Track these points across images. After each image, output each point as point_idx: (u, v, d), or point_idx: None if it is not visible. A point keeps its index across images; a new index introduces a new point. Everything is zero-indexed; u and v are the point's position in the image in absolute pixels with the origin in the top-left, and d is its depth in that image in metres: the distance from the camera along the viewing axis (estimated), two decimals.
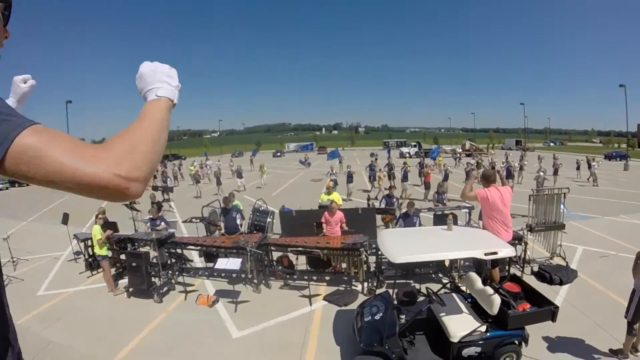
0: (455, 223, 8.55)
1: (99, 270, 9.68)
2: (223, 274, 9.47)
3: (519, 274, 7.94)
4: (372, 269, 8.68)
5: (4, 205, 24.56)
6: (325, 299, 7.91)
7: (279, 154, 75.80)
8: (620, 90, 44.61)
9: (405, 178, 20.35)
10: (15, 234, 14.35)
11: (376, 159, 25.54)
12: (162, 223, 10.08)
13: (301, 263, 9.25)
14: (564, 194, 9.40)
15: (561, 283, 7.98)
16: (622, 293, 6.67)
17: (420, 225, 9.61)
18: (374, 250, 8.55)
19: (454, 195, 16.20)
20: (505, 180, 7.47)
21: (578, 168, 26.82)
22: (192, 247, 9.51)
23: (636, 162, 39.58)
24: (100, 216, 9.17)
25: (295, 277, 9.04)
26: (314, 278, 8.92)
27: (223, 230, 9.96)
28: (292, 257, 9.09)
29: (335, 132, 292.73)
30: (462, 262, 8.69)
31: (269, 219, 10.21)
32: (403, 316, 5.41)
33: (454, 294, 5.97)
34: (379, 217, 11.30)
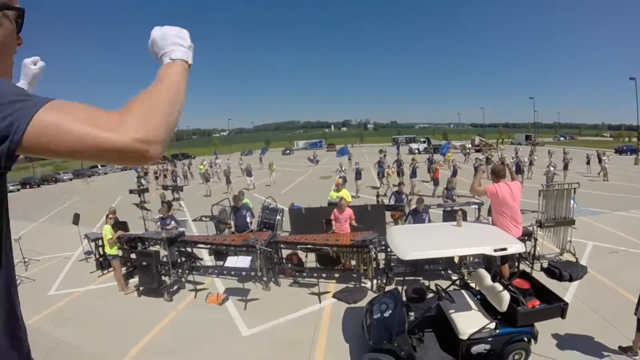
0: (465, 219, 8.48)
1: (110, 269, 9.76)
2: (233, 272, 9.51)
3: (528, 270, 7.87)
4: (381, 266, 8.65)
5: (15, 206, 24.74)
6: (334, 296, 7.90)
7: (288, 151, 75.88)
8: (630, 83, 43.94)
9: (413, 174, 20.27)
10: (26, 235, 14.54)
11: (385, 156, 25.46)
12: (172, 222, 10.12)
13: (310, 260, 9.25)
14: (574, 189, 9.30)
15: (571, 279, 7.87)
16: (632, 289, 6.62)
17: (429, 221, 9.57)
18: (383, 247, 8.50)
19: (463, 191, 16.11)
20: (514, 175, 7.40)
21: (588, 163, 26.55)
22: (202, 246, 9.55)
23: None
24: (110, 216, 9.23)
25: (304, 274, 9.04)
26: (323, 275, 8.93)
27: (233, 229, 9.99)
28: (301, 254, 9.09)
29: (344, 129, 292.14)
30: (471, 258, 8.64)
31: (278, 217, 10.21)
32: (412, 313, 5.38)
33: (463, 291, 5.94)
34: (388, 213, 11.26)
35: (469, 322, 5.10)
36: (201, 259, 10.32)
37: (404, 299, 5.69)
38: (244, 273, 9.27)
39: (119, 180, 40.83)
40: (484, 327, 4.96)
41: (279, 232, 9.93)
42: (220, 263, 9.29)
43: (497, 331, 5.01)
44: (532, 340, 5.20)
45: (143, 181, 29.30)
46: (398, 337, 4.97)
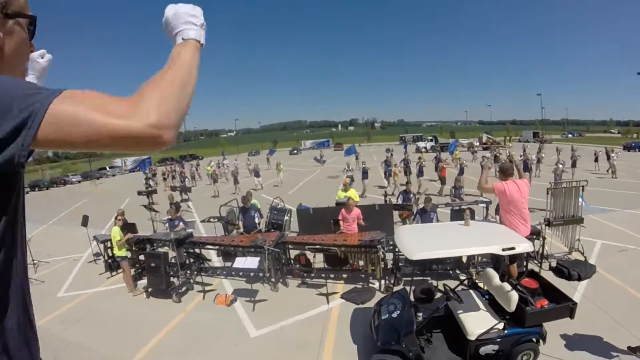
0: (473, 218, 8.45)
1: (119, 271, 9.83)
2: (241, 273, 9.52)
3: (537, 269, 7.82)
4: (389, 266, 8.63)
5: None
6: (342, 297, 7.89)
7: (295, 151, 75.85)
8: (638, 79, 43.62)
9: (420, 173, 20.20)
10: (35, 237, 14.67)
11: (392, 155, 25.39)
12: (181, 223, 10.16)
13: (318, 261, 9.25)
14: (582, 186, 9.22)
15: (579, 279, 7.83)
16: None
17: (437, 220, 9.53)
18: (391, 247, 8.48)
19: (471, 190, 16.05)
20: (522, 172, 7.35)
21: (596, 160, 26.26)
22: (210, 247, 9.58)
23: None
24: (119, 217, 9.28)
25: (312, 275, 9.03)
26: (331, 276, 8.92)
27: (241, 229, 10.01)
28: (309, 255, 9.09)
29: (352, 128, 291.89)
30: (479, 258, 8.60)
31: (286, 217, 10.21)
32: (420, 314, 5.36)
33: (471, 291, 5.90)
34: (395, 213, 11.23)
35: (477, 322, 5.07)
36: (209, 260, 10.35)
37: (412, 299, 5.67)
38: (252, 274, 9.28)
39: (127, 182, 41.08)
40: (492, 328, 4.93)
41: (286, 232, 9.94)
42: (229, 264, 9.31)
43: (506, 332, 4.97)
44: (541, 341, 5.16)
45: (151, 182, 29.44)
46: (406, 338, 4.94)
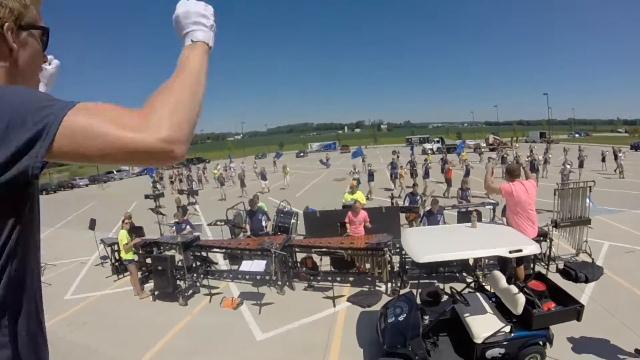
0: (480, 220, 8.41)
1: (125, 274, 9.88)
2: (247, 276, 9.51)
3: (544, 271, 7.75)
4: (396, 269, 8.60)
5: None
6: (349, 300, 7.87)
7: (302, 154, 75.94)
8: None
9: (426, 175, 20.16)
10: (43, 240, 14.56)
11: (398, 157, 25.37)
12: (188, 226, 10.20)
13: (325, 264, 9.22)
14: (590, 187, 9.15)
15: (587, 281, 7.71)
16: None
17: (444, 222, 9.50)
18: (397, 250, 8.46)
19: (478, 192, 15.98)
20: (529, 173, 7.32)
21: (603, 160, 26.02)
22: (217, 250, 9.59)
23: None
24: (126, 221, 9.33)
25: (319, 278, 9.02)
26: (338, 279, 8.89)
27: (249, 232, 10.03)
28: (316, 258, 9.08)
29: (358, 130, 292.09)
30: (486, 260, 8.55)
31: (293, 220, 10.23)
32: (427, 317, 5.34)
33: (478, 294, 5.86)
34: (402, 215, 11.21)
35: (484, 325, 5.03)
36: (216, 263, 10.37)
37: (419, 302, 5.65)
38: (258, 277, 9.26)
39: (134, 185, 41.29)
40: (499, 331, 4.90)
41: (293, 235, 9.94)
42: (235, 267, 9.31)
43: (512, 335, 4.93)
44: (548, 344, 5.10)
45: (158, 186, 29.56)
46: (412, 341, 4.92)
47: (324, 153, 61.42)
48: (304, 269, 9.17)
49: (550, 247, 8.68)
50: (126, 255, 8.89)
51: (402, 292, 7.54)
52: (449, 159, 24.45)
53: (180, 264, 9.05)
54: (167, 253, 9.29)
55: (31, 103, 0.81)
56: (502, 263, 6.83)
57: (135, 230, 9.97)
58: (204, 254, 9.74)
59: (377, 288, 8.33)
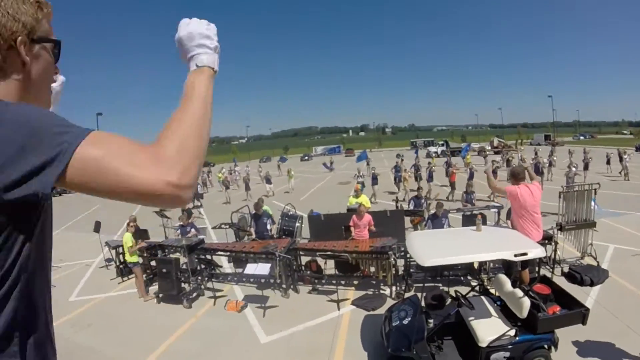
0: (485, 223, 8.40)
1: (130, 276, 9.91)
2: (252, 279, 9.52)
3: (549, 275, 7.72)
4: (400, 272, 8.58)
5: None
6: (353, 303, 7.85)
7: (306, 157, 76.13)
8: None
9: (430, 178, 20.14)
10: None
11: (402, 160, 25.35)
12: (192, 229, 10.22)
13: (329, 267, 9.23)
14: (595, 190, 9.11)
15: (592, 284, 7.70)
16: None
17: (449, 226, 9.48)
18: (402, 254, 8.44)
19: (483, 195, 15.94)
20: (533, 174, 7.29)
21: (608, 162, 25.92)
22: (222, 253, 9.61)
23: None
24: (131, 224, 9.35)
25: (323, 281, 9.02)
26: (342, 282, 8.88)
27: (253, 236, 10.05)
28: (320, 261, 9.08)
29: (363, 133, 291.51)
30: (491, 263, 8.52)
31: (297, 224, 10.22)
32: (431, 320, 5.32)
33: (482, 297, 5.84)
34: (407, 219, 11.20)
35: (489, 329, 5.01)
36: (220, 266, 10.38)
37: (423, 305, 5.64)
38: (263, 280, 9.29)
39: None
40: (503, 334, 4.87)
41: (298, 239, 9.94)
42: (240, 270, 9.32)
43: (517, 338, 4.90)
44: (553, 348, 5.07)
45: None
46: (417, 344, 4.91)
47: (329, 157, 61.43)
48: (309, 272, 9.17)
49: (555, 250, 8.62)
50: (131, 258, 8.92)
51: (406, 295, 7.52)
52: (452, 162, 24.37)
53: (184, 266, 9.08)
54: (171, 256, 9.30)
55: (48, 127, 0.82)
56: (507, 266, 6.81)
57: (140, 233, 10.00)
58: (208, 256, 9.76)
59: (381, 291, 8.31)
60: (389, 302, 7.47)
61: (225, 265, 10.67)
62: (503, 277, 5.69)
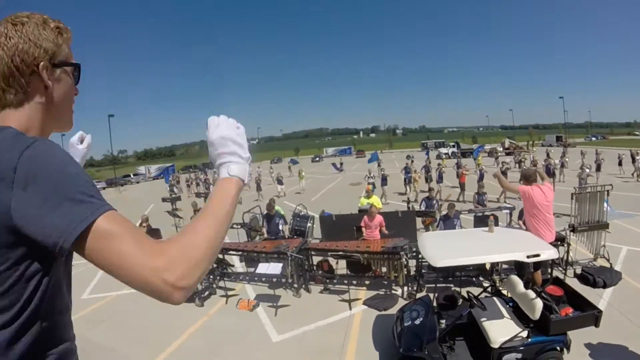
0: (497, 224, 8.36)
1: None
2: (263, 279, 9.56)
3: (561, 276, 7.66)
4: (412, 272, 8.57)
5: None
6: (365, 303, 7.85)
7: (317, 159, 76.25)
8: None
9: (440, 179, 20.09)
10: None
11: (412, 162, 25.29)
12: None
13: (341, 267, 9.22)
14: (607, 191, 9.03)
15: (605, 286, 7.63)
16: None
17: (460, 227, 9.46)
18: (414, 254, 8.43)
19: (494, 196, 15.85)
20: (544, 175, 7.27)
21: (620, 163, 25.66)
22: (233, 253, 9.67)
23: None
24: (143, 224, 9.46)
25: (335, 281, 9.03)
26: (354, 282, 8.89)
27: (265, 235, 10.10)
28: (332, 261, 9.10)
29: (373, 135, 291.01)
30: (503, 264, 8.48)
31: (309, 224, 10.24)
32: (443, 321, 5.31)
33: (495, 298, 5.82)
34: (418, 219, 11.19)
35: (501, 330, 4.99)
36: (232, 266, 10.42)
37: (435, 306, 5.64)
38: (274, 280, 9.32)
39: (151, 188, 41.75)
40: (515, 336, 4.85)
41: (309, 239, 9.96)
42: (251, 269, 9.35)
43: (529, 340, 4.88)
44: (565, 350, 5.03)
45: (175, 189, 29.83)
46: (429, 345, 4.90)
47: (339, 158, 61.42)
48: (320, 272, 9.20)
49: (567, 252, 8.55)
50: None
51: (418, 296, 7.52)
52: (462, 163, 24.27)
53: None
54: None
55: (76, 185, 0.88)
56: (519, 268, 6.78)
57: (152, 233, 10.08)
58: (220, 256, 9.80)
59: (393, 292, 8.30)
60: (401, 303, 7.47)
61: (237, 264, 10.72)
62: (515, 278, 5.67)
